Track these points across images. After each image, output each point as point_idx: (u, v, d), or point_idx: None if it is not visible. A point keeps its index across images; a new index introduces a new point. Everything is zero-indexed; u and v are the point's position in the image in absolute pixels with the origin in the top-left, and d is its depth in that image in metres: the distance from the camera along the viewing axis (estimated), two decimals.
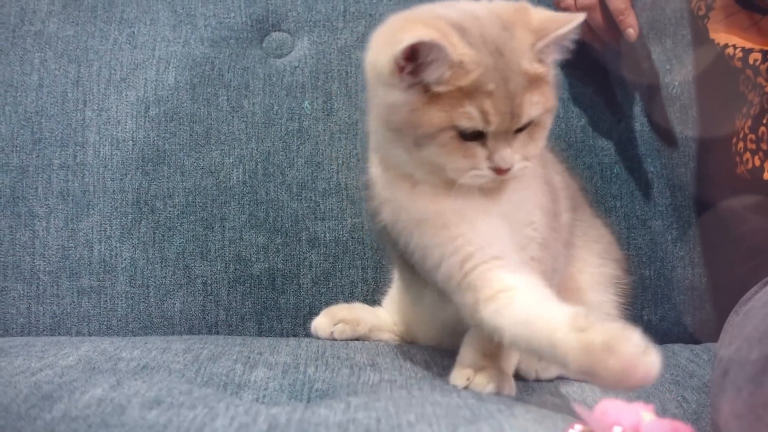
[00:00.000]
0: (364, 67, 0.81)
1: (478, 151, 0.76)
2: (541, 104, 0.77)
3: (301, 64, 1.19)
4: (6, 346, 0.90)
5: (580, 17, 0.76)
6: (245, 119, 1.17)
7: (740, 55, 0.88)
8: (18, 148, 1.15)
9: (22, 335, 1.12)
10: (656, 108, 1.19)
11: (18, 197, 1.14)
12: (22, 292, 1.13)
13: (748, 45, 0.88)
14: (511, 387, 0.81)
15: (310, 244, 1.15)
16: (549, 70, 0.78)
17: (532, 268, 0.81)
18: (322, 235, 1.15)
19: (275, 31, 1.20)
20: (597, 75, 1.20)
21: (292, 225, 1.15)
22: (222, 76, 1.17)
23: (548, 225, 0.85)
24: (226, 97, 1.17)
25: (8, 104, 1.15)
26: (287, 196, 1.15)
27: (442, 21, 0.74)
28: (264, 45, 1.20)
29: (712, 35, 0.94)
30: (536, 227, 0.84)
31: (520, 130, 0.77)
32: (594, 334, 0.67)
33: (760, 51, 0.86)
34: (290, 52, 1.20)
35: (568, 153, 1.17)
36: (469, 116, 0.73)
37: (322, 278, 1.15)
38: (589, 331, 0.67)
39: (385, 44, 0.77)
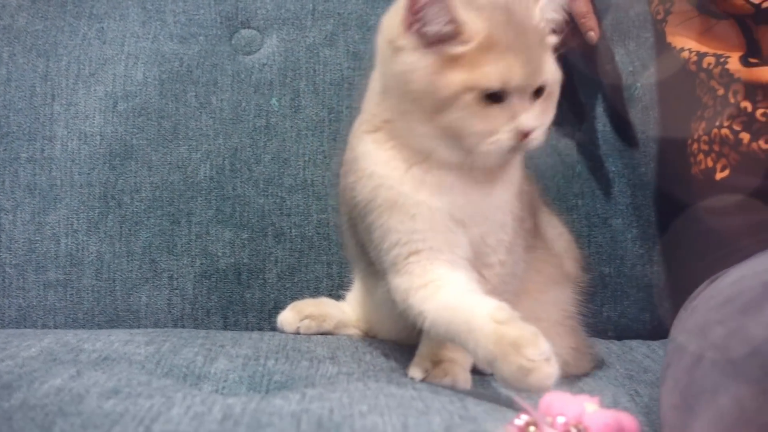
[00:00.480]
0: (375, 46, 0.82)
1: (500, 114, 0.75)
2: (553, 67, 0.78)
3: (269, 61, 1.20)
4: None
5: None
6: (213, 115, 1.18)
7: (695, 58, 0.91)
8: None
9: None
10: (618, 109, 1.21)
11: None
12: None
13: (703, 49, 0.91)
14: (466, 380, 0.83)
15: (276, 240, 1.16)
16: (554, 38, 0.79)
17: (495, 274, 0.84)
18: (288, 230, 1.16)
19: (244, 28, 1.22)
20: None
21: (258, 220, 1.16)
22: (191, 72, 1.19)
23: (515, 229, 0.87)
24: (194, 93, 1.18)
25: None
26: (254, 192, 1.16)
27: None
28: (233, 42, 1.21)
29: (669, 39, 0.96)
30: (507, 231, 0.85)
31: (536, 96, 0.77)
32: (509, 328, 0.69)
33: (714, 55, 0.89)
34: (259, 49, 1.21)
35: (532, 153, 1.19)
36: (494, 73, 0.73)
37: (287, 273, 1.16)
38: (505, 325, 0.70)
39: (393, 13, 0.78)
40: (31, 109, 1.17)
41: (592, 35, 1.06)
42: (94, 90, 1.17)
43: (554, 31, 0.80)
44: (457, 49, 0.73)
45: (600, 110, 1.22)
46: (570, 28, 1.08)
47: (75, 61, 1.18)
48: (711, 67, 0.88)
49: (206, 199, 1.16)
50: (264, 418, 0.64)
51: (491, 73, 0.73)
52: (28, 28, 1.19)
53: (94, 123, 1.16)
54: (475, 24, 0.73)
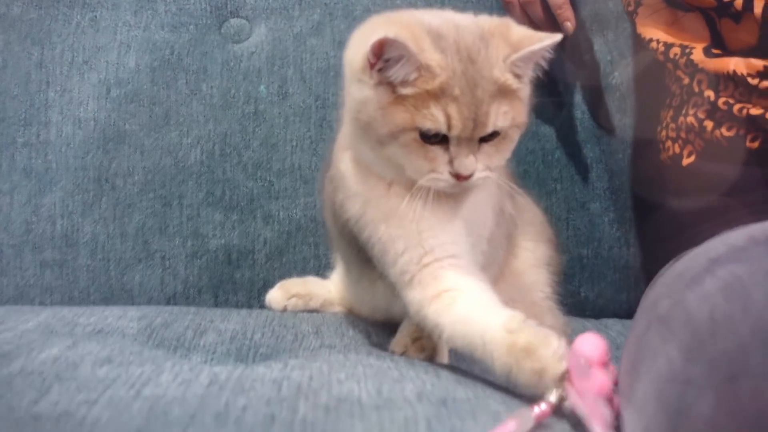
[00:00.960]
0: (343, 63, 0.83)
1: (440, 155, 0.77)
2: (509, 116, 0.77)
3: (258, 49, 1.23)
4: None
5: (556, 37, 0.78)
6: (203, 102, 1.21)
7: (662, 49, 0.95)
8: None
9: None
10: (596, 97, 1.25)
11: None
12: None
13: (670, 40, 0.94)
14: (444, 356, 0.87)
15: (265, 222, 1.20)
16: (523, 87, 0.79)
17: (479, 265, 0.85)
18: (276, 213, 1.20)
19: (233, 17, 1.25)
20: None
21: (247, 203, 1.20)
22: (181, 60, 1.22)
23: (495, 221, 0.89)
24: (185, 81, 1.22)
25: None
26: (243, 175, 1.20)
27: (419, 25, 0.76)
28: (222, 31, 1.25)
29: (640, 30, 1.00)
30: (487, 225, 0.88)
31: (486, 140, 0.78)
32: (520, 335, 0.70)
33: (680, 46, 0.92)
34: (248, 38, 1.24)
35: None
36: (432, 119, 0.74)
37: (275, 254, 1.20)
38: (516, 333, 0.70)
39: (360, 41, 0.79)
40: (26, 95, 1.20)
41: (569, 25, 1.10)
42: (88, 77, 1.21)
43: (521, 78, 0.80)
44: (408, 90, 0.74)
45: (578, 98, 1.26)
46: (547, 18, 1.12)
47: (69, 48, 1.22)
48: (677, 57, 0.92)
49: (197, 183, 1.20)
50: (247, 384, 0.68)
51: (432, 119, 0.74)
52: (23, 17, 1.22)
53: (87, 109, 1.20)
54: (433, 71, 0.74)
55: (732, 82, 0.85)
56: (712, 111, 0.90)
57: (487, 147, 0.78)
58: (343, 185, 0.86)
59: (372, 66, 0.75)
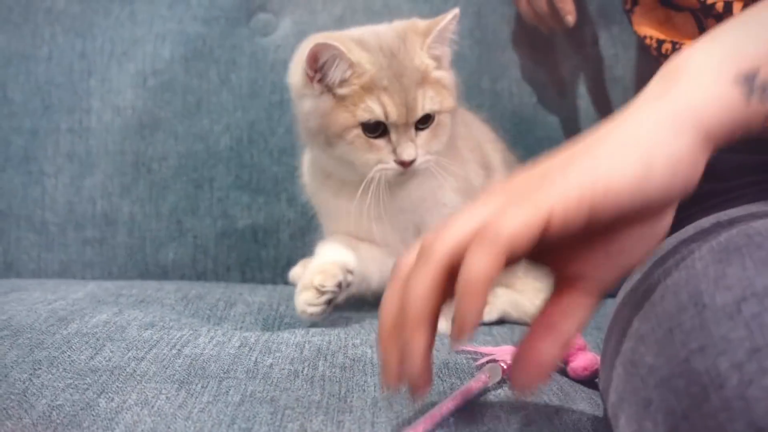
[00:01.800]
0: (289, 89, 0.95)
1: (384, 146, 0.88)
2: (437, 101, 0.88)
3: (283, 42, 1.31)
4: (24, 284, 1.05)
5: (453, 12, 0.89)
6: (233, 91, 1.30)
7: (655, 45, 1.02)
8: (30, 114, 1.28)
9: (33, 278, 1.26)
10: (599, 88, 1.33)
11: (30, 157, 1.27)
12: (33, 241, 1.27)
13: (662, 36, 1.01)
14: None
15: (289, 203, 1.28)
16: (445, 73, 0.91)
17: None
18: (300, 195, 1.28)
19: (261, 11, 1.32)
20: (547, 56, 1.33)
21: (273, 186, 1.28)
22: (212, 51, 1.30)
23: (472, 199, 0.98)
24: (216, 71, 1.30)
25: (21, 74, 1.29)
26: (269, 160, 1.29)
27: (343, 35, 0.90)
28: (251, 24, 1.32)
29: (636, 27, 1.07)
30: (451, 208, 0.96)
31: (422, 128, 0.89)
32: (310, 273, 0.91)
33: (671, 42, 0.99)
34: (274, 31, 1.32)
35: (521, 127, 1.31)
36: (370, 110, 0.86)
37: (298, 234, 1.28)
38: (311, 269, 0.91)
39: (296, 63, 0.92)
40: (69, 84, 1.29)
41: (570, 19, 1.17)
42: (126, 67, 1.30)
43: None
44: (344, 90, 0.86)
45: (582, 89, 1.33)
46: (550, 11, 1.20)
47: (109, 40, 1.30)
48: (668, 52, 0.99)
49: (226, 167, 1.28)
50: (273, 346, 0.78)
51: (369, 110, 0.86)
52: (66, 11, 1.31)
53: (126, 97, 1.29)
54: (363, 66, 0.86)
55: None
56: None
57: (424, 134, 0.90)
58: (302, 173, 1.04)
59: (311, 79, 0.87)
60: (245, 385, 0.66)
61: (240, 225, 1.28)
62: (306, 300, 0.87)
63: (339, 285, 0.87)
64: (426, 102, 0.88)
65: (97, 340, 0.76)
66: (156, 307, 0.92)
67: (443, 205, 0.96)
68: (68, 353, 0.72)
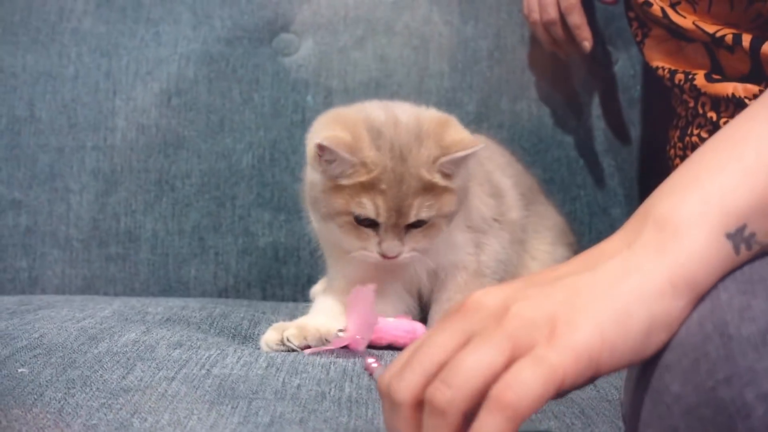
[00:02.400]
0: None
1: (371, 236, 0.89)
2: (433, 209, 0.88)
3: (305, 62, 1.33)
4: (51, 301, 1.07)
5: (479, 147, 0.87)
6: (255, 110, 1.32)
7: (668, 75, 1.03)
8: (56, 131, 1.30)
9: (56, 294, 1.28)
10: (613, 110, 1.34)
11: (55, 174, 1.29)
12: (57, 256, 1.29)
13: (674, 67, 1.03)
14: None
15: (309, 221, 1.30)
16: (453, 182, 0.89)
17: (473, 270, 0.98)
18: None
19: (283, 32, 1.35)
20: (562, 78, 1.35)
21: (294, 204, 1.29)
22: (235, 71, 1.33)
23: (483, 230, 0.99)
24: (238, 91, 1.32)
25: (48, 92, 1.31)
26: (290, 179, 1.30)
27: (362, 124, 0.88)
28: (273, 44, 1.35)
29: (647, 58, 1.08)
30: (464, 245, 0.98)
31: (415, 226, 0.89)
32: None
33: (683, 72, 1.01)
34: (296, 51, 1.34)
35: (540, 147, 1.33)
36: (363, 207, 0.86)
37: (319, 251, 1.30)
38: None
39: (315, 133, 0.92)
40: (95, 103, 1.31)
41: (587, 45, 1.19)
42: (151, 86, 1.32)
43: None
44: (345, 181, 0.87)
45: (598, 111, 1.34)
46: (567, 37, 1.21)
47: (134, 60, 1.32)
48: (681, 83, 1.01)
49: (248, 185, 1.30)
50: (300, 367, 0.79)
51: (362, 207, 0.87)
52: (93, 31, 1.33)
53: (150, 116, 1.31)
54: (368, 167, 0.86)
55: (732, 104, 0.94)
56: (714, 130, 0.98)
57: (415, 232, 0.90)
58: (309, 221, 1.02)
59: (319, 158, 0.87)
60: (274, 406, 0.68)
61: (261, 242, 1.29)
62: (269, 340, 0.88)
63: (305, 347, 0.88)
64: (421, 211, 0.88)
65: (128, 359, 0.78)
66: (182, 326, 0.93)
67: (454, 244, 0.97)
68: (100, 372, 0.74)
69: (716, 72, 0.96)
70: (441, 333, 0.52)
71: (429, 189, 0.88)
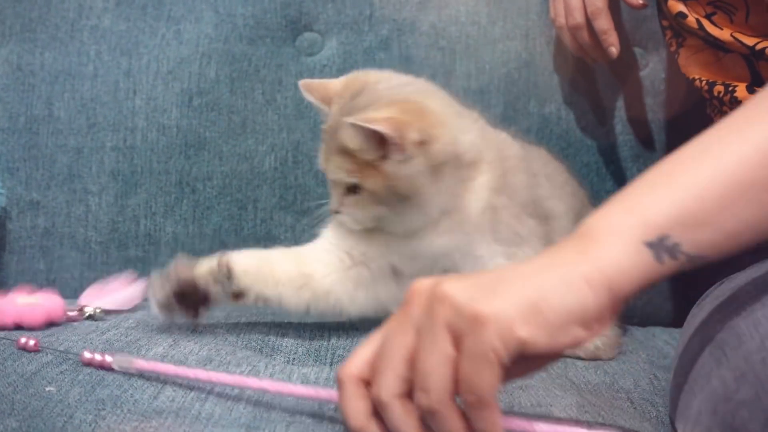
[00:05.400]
0: None
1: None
2: (352, 175, 0.89)
3: (329, 62, 1.31)
4: None
5: (382, 129, 0.84)
6: (278, 111, 1.29)
7: (706, 87, 1.00)
8: (75, 132, 1.28)
9: (74, 298, 1.25)
10: (641, 115, 1.31)
11: (74, 175, 1.27)
12: (76, 259, 1.26)
13: (712, 78, 0.99)
14: None
15: None
16: (388, 163, 0.87)
17: None
18: None
19: (307, 31, 1.32)
20: (588, 82, 1.32)
21: (317, 207, 1.27)
22: (258, 71, 1.30)
23: (517, 243, 0.97)
24: (261, 91, 1.29)
25: (66, 91, 1.28)
26: (314, 181, 1.27)
27: (350, 81, 0.95)
28: (296, 44, 1.32)
29: (683, 69, 1.05)
30: (490, 259, 0.95)
31: (353, 191, 0.91)
32: None
33: (723, 84, 0.97)
34: (320, 51, 1.32)
35: (568, 151, 1.29)
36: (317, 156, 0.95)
37: None
38: None
39: None
40: (115, 102, 1.29)
41: (613, 50, 1.15)
42: (172, 86, 1.29)
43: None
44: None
45: (626, 115, 1.31)
46: (594, 42, 1.18)
47: (155, 59, 1.30)
48: (721, 95, 0.97)
49: (271, 188, 1.27)
50: (334, 386, 0.76)
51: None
52: (112, 29, 1.30)
53: (171, 116, 1.28)
54: (325, 118, 0.95)
55: None
56: None
57: (349, 198, 0.92)
58: None
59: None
60: (313, 430, 0.65)
61: (283, 247, 1.26)
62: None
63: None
64: (338, 172, 0.91)
65: (158, 377, 0.75)
66: (209, 338, 0.91)
67: (472, 254, 0.95)
68: (130, 392, 0.71)
69: (757, 84, 0.93)
70: (396, 333, 0.59)
71: (347, 154, 0.89)
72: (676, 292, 1.30)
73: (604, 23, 1.14)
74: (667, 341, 1.16)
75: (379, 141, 0.85)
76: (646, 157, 1.30)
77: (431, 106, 0.91)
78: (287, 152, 1.28)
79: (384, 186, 0.88)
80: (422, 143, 0.87)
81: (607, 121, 1.31)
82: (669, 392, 0.76)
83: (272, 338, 0.95)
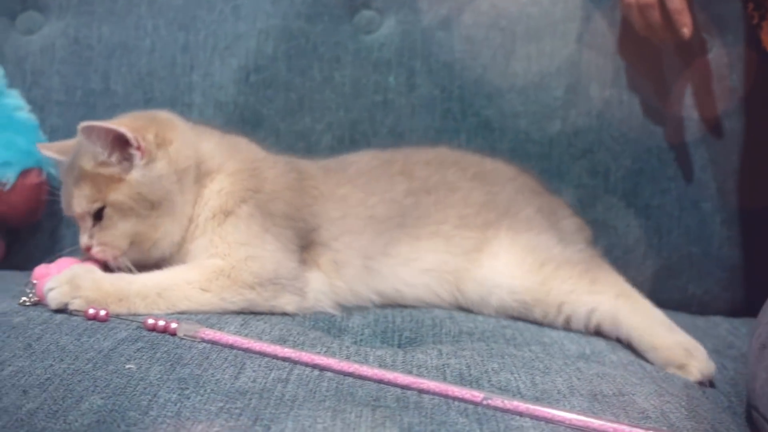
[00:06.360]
0: None
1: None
2: (87, 198, 0.90)
3: (387, 41, 1.28)
4: None
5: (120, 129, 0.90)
6: (335, 90, 1.27)
7: None
8: (131, 106, 1.25)
9: None
10: (707, 100, 1.27)
11: None
12: None
13: None
14: None
15: None
16: (130, 172, 0.91)
17: None
18: None
19: (365, 9, 1.29)
20: (653, 66, 1.28)
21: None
22: (315, 49, 1.28)
23: None
24: (318, 69, 1.28)
25: (123, 66, 1.27)
26: None
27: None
28: (354, 21, 1.30)
29: (765, 44, 1.01)
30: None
31: (99, 218, 0.91)
32: None
33: None
34: (378, 29, 1.29)
35: (630, 136, 1.27)
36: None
37: None
38: None
39: None
40: (172, 77, 1.27)
41: (686, 31, 1.11)
42: (229, 62, 1.27)
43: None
44: None
45: (691, 100, 1.28)
46: (664, 22, 1.14)
47: (212, 34, 1.28)
48: None
49: None
50: (413, 370, 0.75)
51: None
52: (170, 3, 1.28)
53: (228, 93, 1.27)
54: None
55: None
56: None
57: (97, 226, 0.92)
58: None
59: None
60: (400, 416, 0.64)
61: None
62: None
63: None
64: (76, 202, 0.92)
65: (236, 356, 0.74)
66: (277, 319, 0.90)
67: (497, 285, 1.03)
68: (210, 371, 0.70)
69: None
70: None
71: (87, 179, 0.91)
72: (736, 282, 1.28)
73: (677, 2, 1.10)
74: (730, 331, 1.15)
75: (120, 148, 0.91)
76: (710, 142, 1.27)
77: (161, 115, 1.00)
78: (344, 131, 1.27)
79: (130, 195, 0.90)
80: (160, 145, 0.93)
81: (671, 105, 1.28)
82: (757, 385, 0.74)
83: (338, 319, 0.94)
